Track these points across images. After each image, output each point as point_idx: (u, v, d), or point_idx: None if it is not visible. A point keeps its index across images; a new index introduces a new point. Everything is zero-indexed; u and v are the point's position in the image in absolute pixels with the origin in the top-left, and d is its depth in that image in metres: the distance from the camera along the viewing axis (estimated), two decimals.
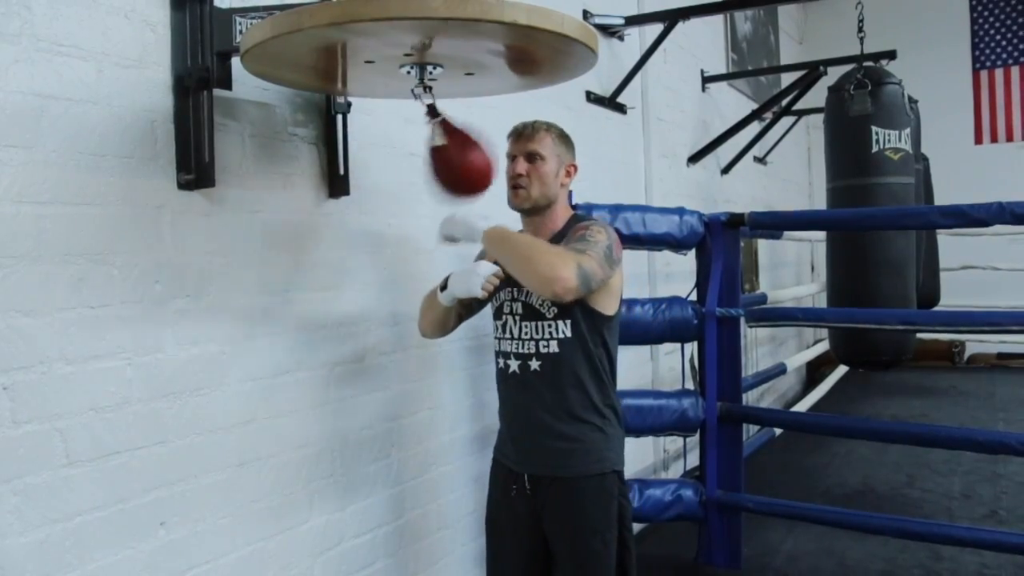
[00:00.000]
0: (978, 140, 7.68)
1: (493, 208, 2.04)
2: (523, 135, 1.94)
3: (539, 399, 1.90)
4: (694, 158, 4.71)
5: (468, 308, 2.06)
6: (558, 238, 1.91)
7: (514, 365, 1.93)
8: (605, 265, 1.79)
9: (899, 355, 3.97)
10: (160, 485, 1.68)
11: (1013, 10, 7.59)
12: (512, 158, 1.94)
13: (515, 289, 1.93)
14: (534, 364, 1.90)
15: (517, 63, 1.69)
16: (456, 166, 1.79)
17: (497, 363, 2.01)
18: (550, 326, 1.88)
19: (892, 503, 4.00)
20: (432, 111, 1.73)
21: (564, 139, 1.97)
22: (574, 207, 2.23)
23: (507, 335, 1.95)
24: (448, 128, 1.75)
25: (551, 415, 1.88)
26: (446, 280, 1.94)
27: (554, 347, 1.88)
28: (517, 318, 1.93)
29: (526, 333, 1.91)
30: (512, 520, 1.97)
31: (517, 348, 1.93)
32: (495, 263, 1.89)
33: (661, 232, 3.06)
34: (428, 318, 2.06)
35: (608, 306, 1.90)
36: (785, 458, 4.73)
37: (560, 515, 1.89)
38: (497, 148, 1.86)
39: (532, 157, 1.91)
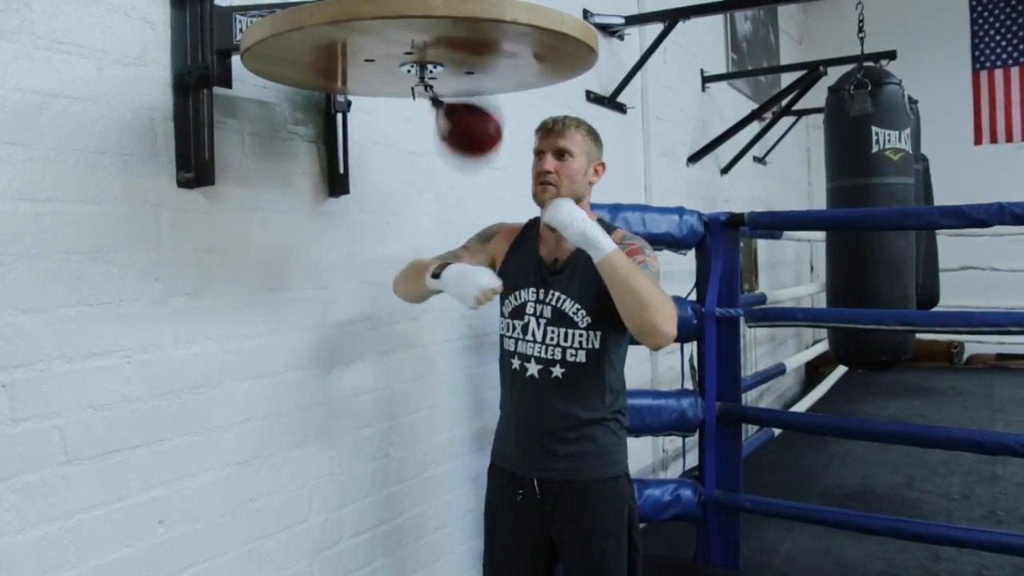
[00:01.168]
0: (978, 140, 7.68)
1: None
2: (552, 131, 1.87)
3: (556, 405, 1.85)
4: (694, 158, 4.71)
5: None
6: None
7: (533, 369, 1.87)
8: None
9: (898, 355, 3.97)
10: (158, 483, 1.68)
11: (1013, 11, 7.59)
12: (539, 154, 1.88)
13: (541, 290, 1.87)
14: (556, 371, 1.84)
15: (517, 62, 1.69)
16: (467, 145, 1.78)
17: (508, 363, 1.93)
18: (581, 335, 1.83)
19: (891, 504, 4.00)
20: (435, 101, 1.72)
21: (594, 136, 1.92)
22: None
23: (529, 337, 1.87)
24: (451, 113, 1.74)
25: (567, 420, 1.84)
26: (441, 270, 1.85)
27: (581, 357, 1.83)
28: (543, 322, 1.86)
29: (552, 339, 1.85)
30: (516, 525, 1.92)
31: (540, 352, 1.86)
32: (515, 245, 1.87)
33: (661, 232, 3.06)
34: (407, 288, 2.01)
35: None
36: (784, 458, 4.73)
37: (573, 519, 1.85)
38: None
39: (561, 154, 1.85)
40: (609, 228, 1.89)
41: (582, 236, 1.71)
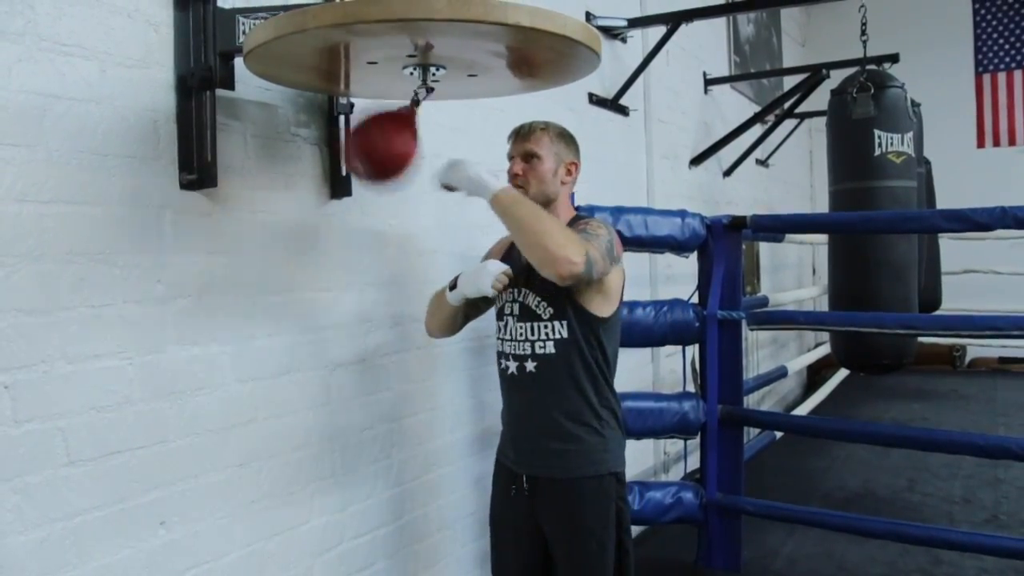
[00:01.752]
0: (980, 144, 7.67)
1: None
2: (520, 135, 1.95)
3: (536, 400, 1.91)
4: (696, 160, 4.71)
5: (475, 308, 2.06)
6: None
7: (512, 366, 1.94)
8: (606, 258, 1.80)
9: (900, 359, 3.97)
10: (160, 485, 1.68)
11: (1016, 14, 7.58)
12: (511, 159, 1.95)
13: (516, 290, 1.93)
14: (530, 365, 1.90)
15: (520, 65, 1.69)
16: (370, 163, 1.74)
17: (498, 364, 2.01)
18: (546, 327, 1.89)
19: (892, 507, 4.00)
20: (414, 102, 1.72)
21: (563, 137, 1.97)
22: (576, 208, 2.23)
23: (507, 336, 1.96)
24: (362, 126, 1.73)
25: (548, 416, 1.89)
26: (455, 280, 1.96)
27: (550, 348, 1.88)
28: (514, 319, 1.94)
29: (521, 334, 1.92)
30: (512, 521, 1.98)
31: (514, 349, 1.93)
32: (505, 257, 1.88)
33: (663, 234, 3.06)
34: (437, 318, 2.06)
35: (602, 308, 1.89)
36: (785, 461, 4.72)
37: (556, 517, 1.90)
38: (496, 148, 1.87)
39: (529, 157, 1.92)
40: (584, 219, 1.95)
41: (471, 183, 1.77)
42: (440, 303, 2.03)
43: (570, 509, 1.88)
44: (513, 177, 1.92)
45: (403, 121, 1.72)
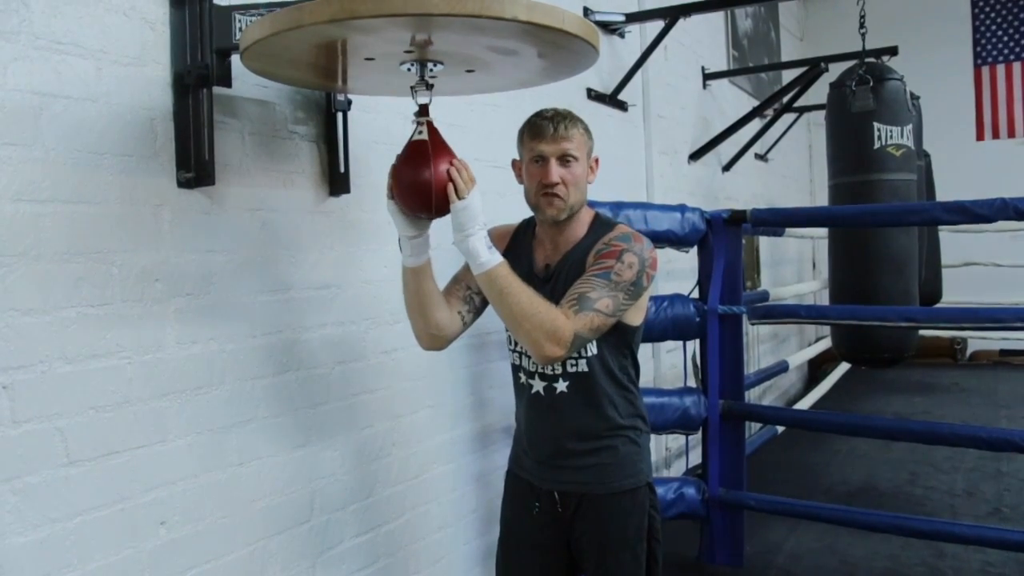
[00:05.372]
0: (980, 136, 7.67)
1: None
2: (554, 133, 1.70)
3: (568, 421, 1.78)
4: (695, 155, 4.70)
5: (473, 308, 1.85)
6: (582, 248, 1.75)
7: (538, 386, 1.80)
8: (622, 304, 1.66)
9: (901, 352, 3.97)
10: (160, 484, 1.68)
11: (1015, 6, 7.57)
12: (541, 160, 1.71)
13: None
14: (561, 385, 1.77)
15: (518, 60, 1.68)
16: (421, 172, 1.60)
17: (516, 377, 1.87)
18: None
19: (894, 501, 4.00)
20: (423, 110, 1.66)
21: (589, 131, 1.77)
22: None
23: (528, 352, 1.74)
24: (432, 131, 1.64)
25: (582, 435, 1.78)
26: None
27: (583, 366, 1.75)
28: None
29: None
30: (532, 536, 1.87)
31: (541, 367, 1.77)
32: (506, 250, 1.74)
33: (663, 229, 3.06)
34: (412, 318, 1.78)
35: (635, 317, 1.79)
36: (787, 456, 4.72)
37: (592, 531, 1.80)
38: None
39: (566, 160, 1.70)
40: (609, 224, 1.81)
41: (464, 248, 1.60)
42: (406, 288, 1.75)
43: (606, 524, 1.79)
44: (551, 186, 1.69)
45: (421, 150, 1.62)
